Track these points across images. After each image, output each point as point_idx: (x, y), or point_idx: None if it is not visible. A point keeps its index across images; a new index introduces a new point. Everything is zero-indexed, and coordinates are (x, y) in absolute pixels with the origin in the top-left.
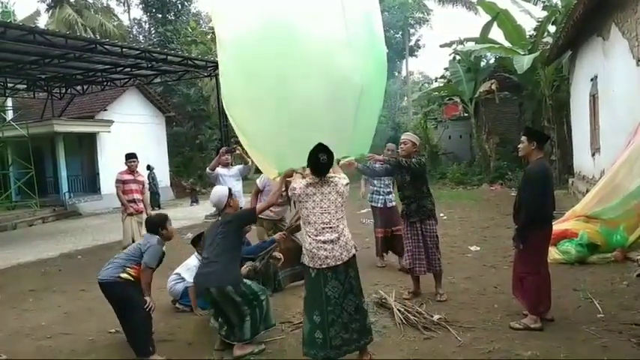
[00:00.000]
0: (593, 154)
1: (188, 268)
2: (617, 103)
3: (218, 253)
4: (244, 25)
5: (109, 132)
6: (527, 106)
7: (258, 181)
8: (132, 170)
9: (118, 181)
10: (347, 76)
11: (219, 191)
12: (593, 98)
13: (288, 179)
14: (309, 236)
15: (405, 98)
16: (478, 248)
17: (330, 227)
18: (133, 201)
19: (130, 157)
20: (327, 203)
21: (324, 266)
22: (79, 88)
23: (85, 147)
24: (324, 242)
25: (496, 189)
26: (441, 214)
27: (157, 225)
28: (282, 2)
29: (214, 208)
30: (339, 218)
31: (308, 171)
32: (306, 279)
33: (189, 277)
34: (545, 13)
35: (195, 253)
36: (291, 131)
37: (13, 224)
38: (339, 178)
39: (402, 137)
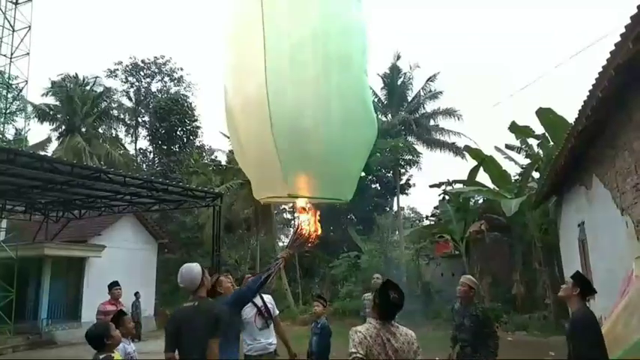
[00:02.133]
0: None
1: None
2: (607, 250)
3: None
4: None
5: (99, 257)
6: (518, 248)
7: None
8: (116, 298)
9: (100, 312)
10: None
11: (191, 269)
12: (582, 243)
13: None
14: None
15: (397, 232)
16: None
17: None
18: None
19: (115, 285)
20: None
21: None
22: (76, 212)
23: (73, 271)
24: None
25: None
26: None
27: (101, 337)
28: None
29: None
30: None
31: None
32: None
33: None
34: (528, 161)
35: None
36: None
37: None
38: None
39: (460, 280)
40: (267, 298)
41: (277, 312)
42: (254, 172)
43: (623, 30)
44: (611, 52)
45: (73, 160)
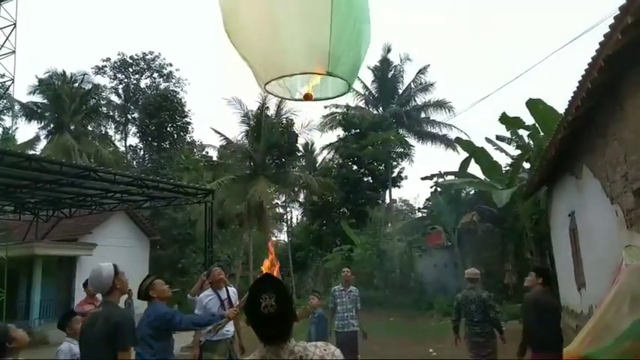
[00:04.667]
0: (579, 289)
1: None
2: (597, 239)
3: None
4: None
5: (90, 255)
6: (509, 238)
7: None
8: (92, 296)
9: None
10: None
11: (101, 271)
12: (573, 233)
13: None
14: None
15: (389, 225)
16: None
17: None
18: None
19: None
20: None
21: None
22: (66, 211)
23: (64, 270)
24: None
25: None
26: (430, 350)
27: (1, 342)
28: None
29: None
30: None
31: None
32: None
33: None
34: (518, 152)
35: (67, 337)
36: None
37: None
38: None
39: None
40: (232, 291)
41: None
42: (275, 47)
43: (612, 21)
44: (600, 43)
45: (62, 158)
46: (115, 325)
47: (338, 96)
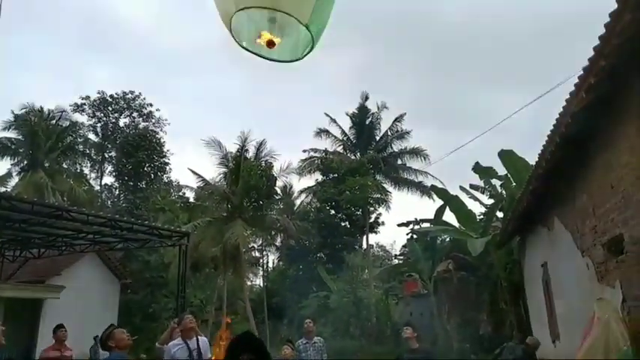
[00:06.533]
0: (553, 341)
1: None
2: (570, 291)
3: None
4: None
5: (57, 298)
6: (484, 287)
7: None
8: (61, 342)
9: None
10: None
11: None
12: (546, 284)
13: None
14: None
15: (366, 271)
16: None
17: None
18: None
19: (60, 327)
20: None
21: None
22: (35, 251)
23: (28, 313)
24: None
25: None
26: None
27: None
28: None
29: None
30: None
31: None
32: None
33: None
34: (492, 201)
35: None
36: None
37: None
38: None
39: None
40: (203, 341)
41: (210, 355)
42: None
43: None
44: (566, 100)
45: (35, 196)
46: None
47: (283, 61)
